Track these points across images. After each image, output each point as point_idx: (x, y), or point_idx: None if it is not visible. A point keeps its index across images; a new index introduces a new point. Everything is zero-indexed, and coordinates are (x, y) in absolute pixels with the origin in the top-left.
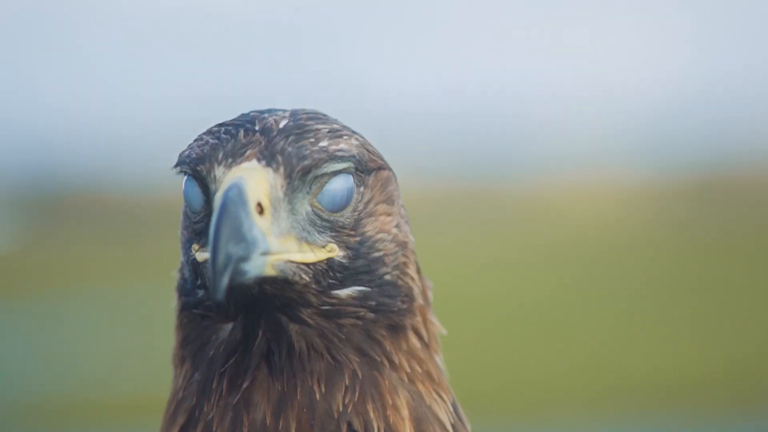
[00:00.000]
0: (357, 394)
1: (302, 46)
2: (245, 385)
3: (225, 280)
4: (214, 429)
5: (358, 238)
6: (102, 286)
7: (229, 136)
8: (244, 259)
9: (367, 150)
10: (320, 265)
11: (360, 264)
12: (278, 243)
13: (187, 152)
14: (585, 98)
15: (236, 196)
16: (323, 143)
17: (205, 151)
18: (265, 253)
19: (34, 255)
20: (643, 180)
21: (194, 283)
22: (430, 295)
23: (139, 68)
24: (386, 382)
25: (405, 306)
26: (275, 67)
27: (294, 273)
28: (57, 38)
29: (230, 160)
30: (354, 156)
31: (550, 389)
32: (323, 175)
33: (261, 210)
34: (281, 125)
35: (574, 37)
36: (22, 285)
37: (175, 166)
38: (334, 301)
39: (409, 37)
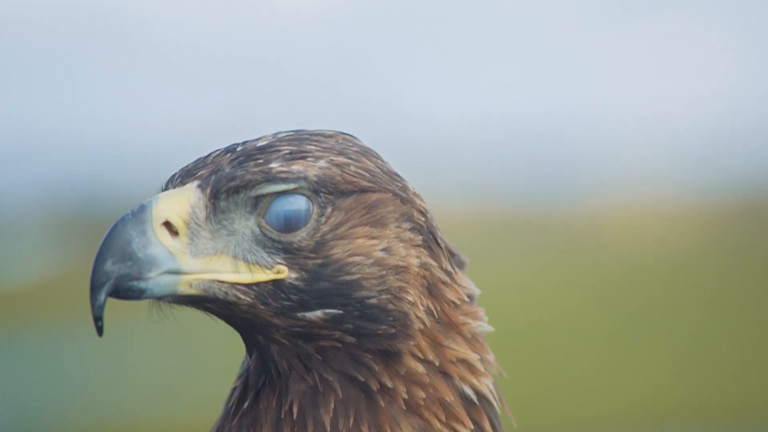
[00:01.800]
0: (351, 420)
1: (340, 71)
2: (246, 404)
3: (100, 298)
4: None
5: (319, 261)
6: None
7: (202, 157)
8: (135, 277)
9: (345, 172)
10: (265, 287)
11: (324, 286)
12: (197, 263)
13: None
14: (636, 120)
15: (133, 215)
16: (272, 164)
17: (175, 172)
18: (175, 272)
19: (82, 278)
20: (695, 202)
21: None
22: (465, 320)
23: (192, 95)
24: (384, 409)
25: (394, 331)
26: (314, 93)
27: (226, 293)
28: (119, 61)
29: (178, 181)
30: (304, 178)
31: (590, 410)
32: (262, 195)
33: (176, 231)
34: (257, 146)
35: (623, 58)
36: (67, 309)
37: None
38: (303, 323)
39: (458, 58)
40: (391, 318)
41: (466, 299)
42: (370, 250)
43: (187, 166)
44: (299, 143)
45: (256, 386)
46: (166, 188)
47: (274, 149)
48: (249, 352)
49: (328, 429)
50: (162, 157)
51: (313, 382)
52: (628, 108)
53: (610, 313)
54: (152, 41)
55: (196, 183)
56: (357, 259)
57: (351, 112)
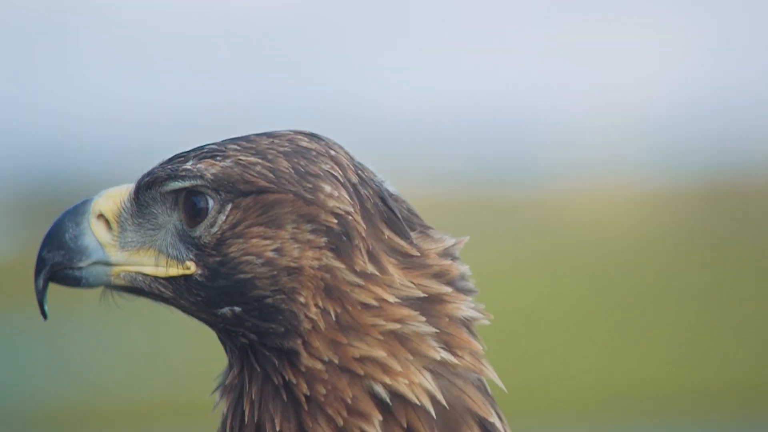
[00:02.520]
0: (270, 410)
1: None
2: (217, 399)
3: (38, 283)
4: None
5: (218, 258)
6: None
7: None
8: (68, 266)
9: (247, 172)
10: (179, 281)
11: (222, 284)
12: (123, 255)
13: None
14: (597, 104)
15: (74, 208)
16: (188, 164)
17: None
18: (105, 263)
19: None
20: (655, 185)
21: None
22: (368, 320)
23: (145, 73)
24: (297, 403)
25: (283, 330)
26: (283, 75)
27: (149, 285)
28: (57, 42)
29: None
30: (201, 177)
31: (559, 397)
32: (173, 191)
33: (109, 224)
34: (196, 146)
35: (586, 42)
36: (23, 292)
37: None
38: (220, 319)
39: (419, 43)
40: (281, 317)
41: (393, 300)
42: (262, 250)
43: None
44: (227, 143)
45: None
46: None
47: (201, 148)
48: None
49: (246, 422)
50: (125, 142)
51: (235, 377)
52: (591, 92)
53: (568, 294)
54: (114, 23)
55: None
56: (249, 258)
57: (316, 98)
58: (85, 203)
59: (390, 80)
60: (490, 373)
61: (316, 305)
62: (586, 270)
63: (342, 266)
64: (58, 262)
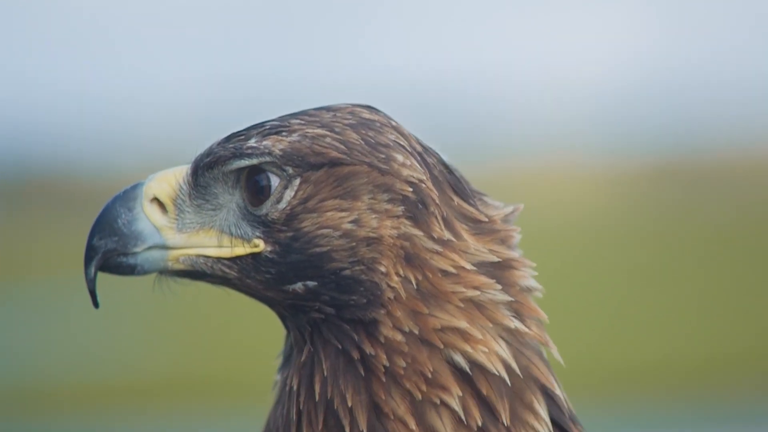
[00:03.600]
0: (341, 387)
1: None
2: (277, 377)
3: (90, 272)
4: (269, 418)
5: (290, 234)
6: (63, 274)
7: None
8: (122, 252)
9: (317, 145)
10: (246, 260)
11: (296, 259)
12: (182, 238)
13: None
14: (550, 82)
15: (123, 193)
16: (251, 141)
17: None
18: (162, 247)
19: None
20: (607, 163)
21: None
22: (449, 287)
23: (106, 52)
24: (377, 378)
25: (365, 301)
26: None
27: (212, 267)
28: (15, 20)
29: (187, 162)
30: (269, 153)
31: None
32: (237, 170)
33: (164, 207)
34: (254, 124)
35: (539, 21)
36: None
37: None
38: (291, 295)
39: (374, 18)
40: (362, 288)
41: (469, 267)
42: (339, 223)
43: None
44: (288, 118)
45: (286, 359)
46: None
47: (261, 126)
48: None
49: (317, 399)
50: (75, 122)
51: (308, 353)
52: (544, 70)
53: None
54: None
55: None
56: (325, 231)
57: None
58: (136, 187)
59: (345, 59)
60: (552, 345)
61: (398, 274)
62: (538, 247)
63: (420, 233)
64: (111, 249)
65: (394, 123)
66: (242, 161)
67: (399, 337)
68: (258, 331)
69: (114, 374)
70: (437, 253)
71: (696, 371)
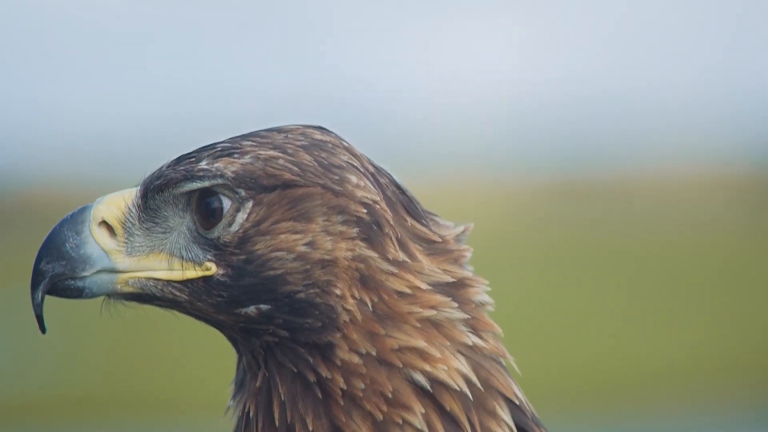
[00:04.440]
0: (300, 413)
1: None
2: (231, 403)
3: (37, 296)
4: None
5: (243, 257)
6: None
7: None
8: (70, 276)
9: (270, 166)
10: (197, 284)
11: (249, 282)
12: (131, 261)
13: None
14: (451, 100)
15: (71, 216)
16: (201, 163)
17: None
18: (111, 271)
19: None
20: (508, 180)
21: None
22: (404, 308)
23: (70, 66)
24: (335, 401)
25: (320, 324)
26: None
27: (162, 290)
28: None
29: (135, 185)
30: (221, 176)
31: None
32: (186, 193)
33: (113, 231)
34: (203, 146)
35: (441, 38)
36: None
37: None
38: (243, 318)
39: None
40: (317, 312)
41: (425, 287)
42: (293, 245)
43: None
44: (239, 140)
45: (240, 383)
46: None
47: (212, 147)
48: None
49: (278, 425)
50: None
51: (263, 378)
52: (445, 88)
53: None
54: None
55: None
56: (279, 254)
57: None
58: (84, 211)
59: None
60: (509, 356)
61: (353, 296)
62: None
63: (375, 255)
64: (58, 273)
65: (345, 144)
66: (193, 183)
67: (356, 359)
68: (174, 347)
69: (22, 390)
70: (392, 274)
71: (598, 388)
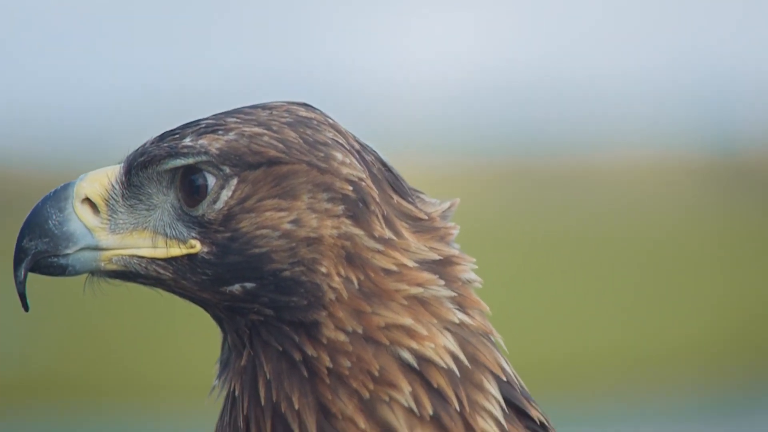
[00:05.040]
0: (286, 392)
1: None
2: (216, 382)
3: (20, 274)
4: (217, 425)
5: (228, 234)
6: None
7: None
8: (53, 254)
9: (255, 143)
10: (181, 261)
11: (233, 260)
12: (115, 239)
13: None
14: (412, 81)
15: (54, 194)
16: (185, 139)
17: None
18: (94, 248)
19: None
20: (468, 165)
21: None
22: (391, 285)
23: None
24: (320, 381)
25: (306, 302)
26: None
27: (146, 268)
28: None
29: (119, 162)
30: (206, 152)
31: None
32: (170, 170)
33: (96, 208)
34: (186, 122)
35: (393, 22)
36: None
37: None
38: (228, 296)
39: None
40: (303, 290)
41: (412, 264)
42: (278, 223)
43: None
44: (224, 117)
45: (226, 363)
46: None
47: (195, 124)
48: None
49: (263, 404)
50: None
51: (248, 357)
52: (395, 69)
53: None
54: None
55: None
56: (264, 231)
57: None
58: (66, 188)
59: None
60: (496, 333)
61: (339, 274)
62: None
63: (361, 233)
64: (41, 251)
65: (331, 121)
66: (177, 160)
67: (342, 337)
68: (159, 329)
69: (5, 372)
70: (379, 252)
71: (571, 374)
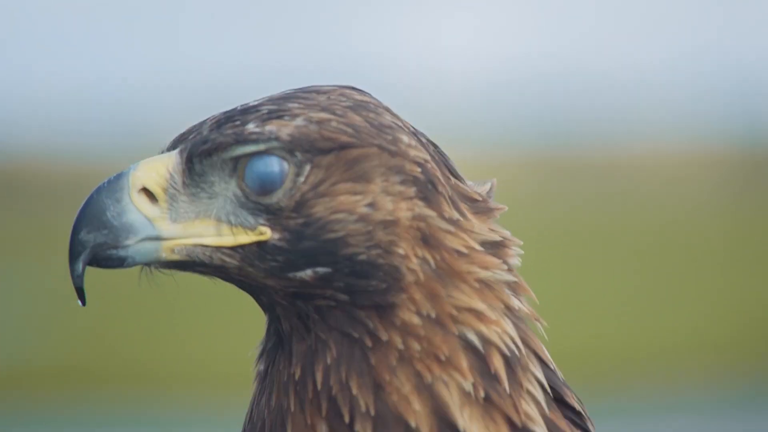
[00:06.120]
0: (343, 374)
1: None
2: (261, 368)
3: (77, 267)
4: (253, 413)
5: (301, 220)
6: None
7: (199, 122)
8: (113, 246)
9: (325, 129)
10: (249, 249)
11: (308, 245)
12: (177, 228)
13: None
14: (432, 75)
15: (108, 183)
16: (249, 126)
17: (169, 140)
18: (155, 239)
19: None
20: (496, 155)
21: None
22: (471, 268)
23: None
24: (378, 361)
25: (386, 285)
26: (295, 41)
27: (211, 257)
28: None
29: (170, 147)
30: (276, 138)
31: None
32: (237, 157)
33: (154, 197)
34: (241, 108)
35: (423, 14)
36: None
37: None
38: (295, 282)
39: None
40: (381, 273)
41: (478, 247)
42: (354, 206)
43: (182, 131)
44: (283, 102)
45: (271, 349)
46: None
47: (255, 110)
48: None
49: (320, 388)
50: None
51: (311, 342)
52: (425, 62)
53: None
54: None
55: (179, 148)
56: (340, 216)
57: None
58: (121, 177)
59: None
60: (543, 322)
61: (416, 256)
62: None
63: (434, 214)
64: (100, 243)
65: (384, 105)
66: (246, 147)
67: (416, 320)
68: (161, 318)
69: (6, 363)
70: (450, 233)
71: (593, 367)
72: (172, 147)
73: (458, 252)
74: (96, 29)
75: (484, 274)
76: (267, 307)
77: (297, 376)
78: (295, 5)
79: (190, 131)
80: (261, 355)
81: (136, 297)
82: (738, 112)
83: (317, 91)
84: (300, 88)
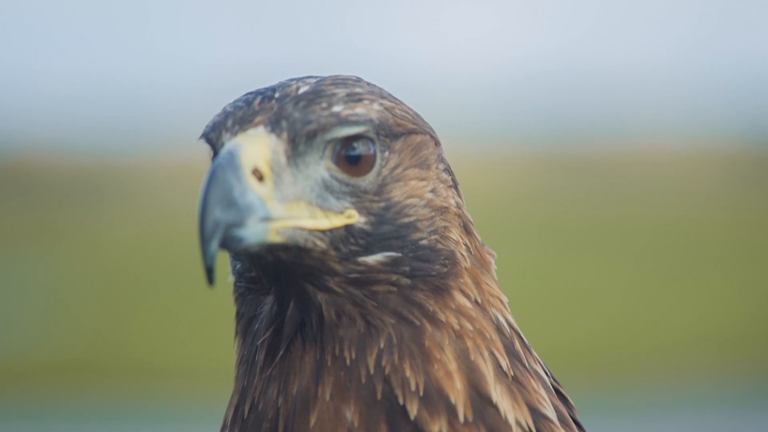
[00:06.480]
0: (396, 356)
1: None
2: (280, 355)
3: (213, 247)
4: (257, 402)
5: (382, 204)
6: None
7: (244, 104)
8: (237, 225)
9: (394, 115)
10: (338, 232)
11: (386, 230)
12: (282, 209)
13: (208, 121)
14: (442, 71)
15: (227, 161)
16: (336, 108)
17: (218, 119)
18: (266, 219)
19: None
20: (500, 152)
21: (233, 256)
22: (489, 258)
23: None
24: (430, 341)
25: (446, 269)
26: (298, 37)
27: (306, 240)
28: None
29: (237, 127)
30: (370, 120)
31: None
32: (334, 140)
33: (261, 176)
34: (300, 91)
35: (435, 9)
36: None
37: (200, 137)
38: (362, 268)
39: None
40: (442, 257)
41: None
42: (422, 192)
43: (232, 112)
44: (344, 86)
45: (289, 338)
46: (211, 134)
47: (327, 93)
48: (279, 303)
49: (372, 372)
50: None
51: (360, 327)
52: (435, 60)
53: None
54: None
55: (262, 128)
56: (413, 201)
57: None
58: (234, 156)
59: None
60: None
61: (463, 243)
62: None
63: (463, 203)
64: (231, 222)
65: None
66: (348, 129)
67: (467, 303)
68: (163, 312)
69: (7, 355)
70: (473, 223)
71: (592, 361)
72: (239, 128)
73: (480, 241)
74: (101, 26)
75: (493, 264)
76: (304, 295)
77: (348, 361)
78: (296, 5)
79: (251, 113)
80: (257, 348)
81: (137, 292)
82: (742, 109)
83: (350, 79)
84: (329, 76)
